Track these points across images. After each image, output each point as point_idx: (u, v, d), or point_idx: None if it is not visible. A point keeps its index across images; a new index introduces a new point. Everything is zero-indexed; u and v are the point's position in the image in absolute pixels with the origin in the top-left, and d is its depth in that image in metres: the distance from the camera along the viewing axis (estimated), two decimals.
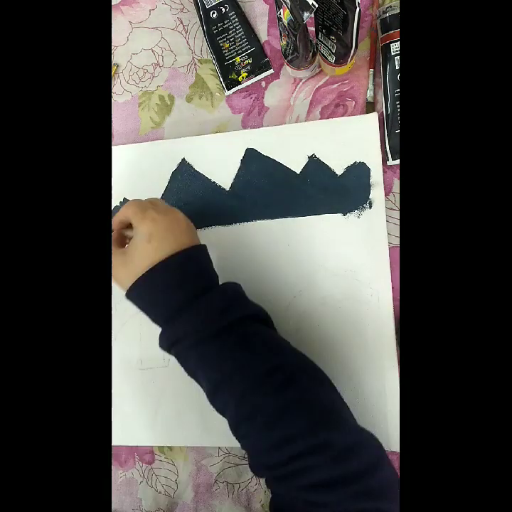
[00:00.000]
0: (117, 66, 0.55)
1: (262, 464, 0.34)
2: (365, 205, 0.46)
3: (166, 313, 0.36)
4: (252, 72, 0.51)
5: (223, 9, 0.51)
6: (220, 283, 0.39)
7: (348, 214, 0.46)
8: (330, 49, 0.43)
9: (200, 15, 0.51)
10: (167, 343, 0.37)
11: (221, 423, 0.47)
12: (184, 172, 0.51)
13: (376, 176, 0.46)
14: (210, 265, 0.40)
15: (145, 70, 0.54)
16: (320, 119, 0.49)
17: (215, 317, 0.35)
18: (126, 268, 0.37)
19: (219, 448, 0.48)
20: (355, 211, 0.46)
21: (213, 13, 0.51)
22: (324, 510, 0.31)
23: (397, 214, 0.46)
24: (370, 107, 0.47)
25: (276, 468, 0.32)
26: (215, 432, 0.47)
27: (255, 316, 0.37)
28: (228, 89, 0.51)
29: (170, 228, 0.37)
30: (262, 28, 0.52)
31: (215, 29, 0.51)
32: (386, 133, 0.46)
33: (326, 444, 0.31)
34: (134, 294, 0.37)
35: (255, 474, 0.36)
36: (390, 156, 0.46)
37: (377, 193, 0.46)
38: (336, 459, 0.31)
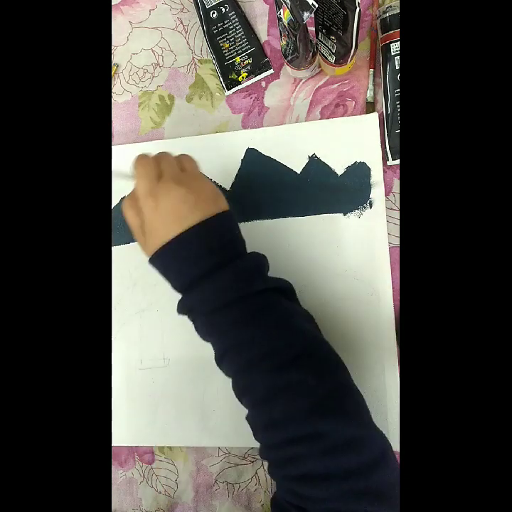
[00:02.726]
0: (117, 66, 0.55)
1: (262, 442, 0.33)
2: (365, 205, 0.46)
3: (184, 282, 0.36)
4: (252, 72, 0.51)
5: (223, 9, 0.51)
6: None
7: (349, 214, 0.46)
8: (330, 49, 0.43)
9: (200, 15, 0.51)
10: (183, 309, 0.37)
11: (221, 423, 0.47)
12: None
13: (376, 175, 0.46)
14: (232, 233, 0.37)
15: (145, 70, 0.54)
16: (320, 119, 0.49)
17: (230, 289, 0.34)
18: (146, 238, 0.37)
19: (219, 448, 0.48)
20: (356, 211, 0.46)
21: (213, 13, 0.51)
22: (315, 507, 0.29)
23: (397, 214, 0.46)
24: (370, 107, 0.47)
25: (273, 449, 0.32)
26: (215, 432, 0.47)
27: (276, 289, 0.36)
28: (228, 89, 0.51)
29: (186, 198, 0.35)
30: (262, 28, 0.52)
31: (215, 29, 0.51)
32: (386, 133, 0.46)
33: (320, 434, 0.30)
34: (155, 262, 0.37)
35: (260, 455, 0.35)
36: (390, 156, 0.46)
37: (377, 193, 0.46)
38: (328, 451, 0.29)
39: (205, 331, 0.36)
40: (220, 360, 0.36)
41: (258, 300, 0.35)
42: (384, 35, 0.45)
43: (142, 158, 0.38)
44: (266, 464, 0.46)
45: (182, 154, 0.40)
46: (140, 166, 0.37)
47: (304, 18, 0.35)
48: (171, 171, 0.38)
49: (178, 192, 0.35)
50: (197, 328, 0.37)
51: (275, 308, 0.35)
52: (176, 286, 0.37)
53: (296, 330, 0.35)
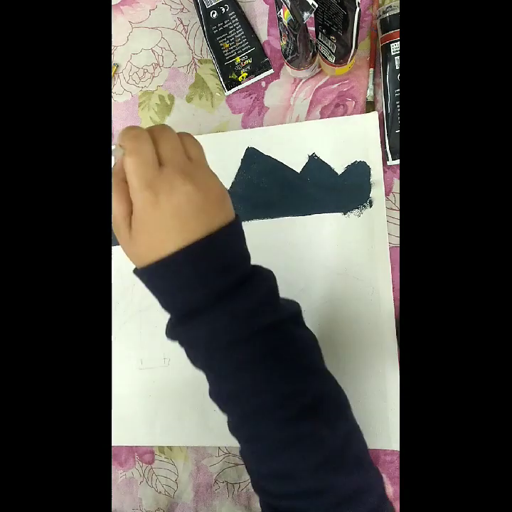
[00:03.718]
0: (117, 66, 0.55)
1: (260, 486, 0.32)
2: (365, 204, 0.46)
3: (183, 307, 0.30)
4: (252, 72, 0.51)
5: (223, 9, 0.51)
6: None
7: (349, 213, 0.46)
8: (330, 49, 0.43)
9: (200, 15, 0.51)
10: (180, 337, 0.31)
11: (221, 423, 0.47)
12: None
13: (376, 175, 0.46)
14: (241, 248, 0.31)
15: (145, 70, 0.54)
16: (320, 119, 0.49)
17: (241, 321, 0.29)
18: (133, 237, 0.29)
19: (219, 448, 0.48)
20: (356, 210, 0.46)
21: (213, 13, 0.51)
22: None
23: (397, 214, 0.46)
24: (370, 107, 0.47)
25: (273, 497, 0.30)
26: (215, 431, 0.47)
27: (289, 318, 0.32)
28: (228, 89, 0.51)
29: (201, 203, 0.28)
30: (262, 28, 0.52)
31: (215, 29, 0.51)
32: (386, 133, 0.46)
33: (327, 489, 0.29)
34: (149, 275, 0.30)
35: (253, 487, 0.34)
36: (390, 156, 0.46)
37: (377, 192, 0.46)
38: (334, 505, 0.29)
39: (204, 363, 0.32)
40: (225, 401, 0.33)
41: (273, 336, 0.31)
42: (384, 35, 0.45)
43: (136, 133, 0.28)
44: None
45: (185, 134, 0.31)
46: (134, 143, 0.28)
47: (304, 18, 0.35)
48: (175, 158, 0.29)
49: (185, 189, 0.28)
50: (194, 357, 0.32)
51: (289, 344, 0.31)
52: (172, 307, 0.31)
53: (310, 370, 0.32)
